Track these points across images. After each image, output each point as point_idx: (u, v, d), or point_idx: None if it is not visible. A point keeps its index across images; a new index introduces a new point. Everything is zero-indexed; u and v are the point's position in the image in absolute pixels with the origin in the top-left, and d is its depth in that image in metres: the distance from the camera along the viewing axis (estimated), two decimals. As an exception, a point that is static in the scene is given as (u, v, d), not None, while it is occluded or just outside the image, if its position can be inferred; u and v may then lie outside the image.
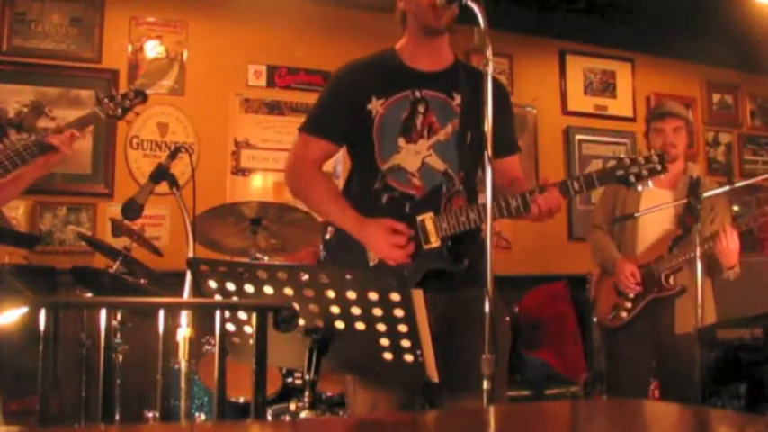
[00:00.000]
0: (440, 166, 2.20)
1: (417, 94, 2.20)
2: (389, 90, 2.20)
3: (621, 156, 2.19)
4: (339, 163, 4.57)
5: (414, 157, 2.19)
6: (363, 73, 2.24)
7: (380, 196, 2.20)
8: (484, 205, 1.90)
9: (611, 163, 2.14)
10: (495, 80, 1.94)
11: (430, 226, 2.14)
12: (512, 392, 3.87)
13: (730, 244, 3.11)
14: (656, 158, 2.08)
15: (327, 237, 2.26)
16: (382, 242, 2.11)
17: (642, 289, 3.26)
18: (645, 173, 2.07)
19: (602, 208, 3.57)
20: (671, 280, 3.25)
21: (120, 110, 2.77)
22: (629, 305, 3.32)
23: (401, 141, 2.20)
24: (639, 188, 2.11)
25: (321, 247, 2.30)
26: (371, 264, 2.16)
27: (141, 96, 2.82)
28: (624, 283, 3.28)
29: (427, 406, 2.30)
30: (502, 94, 2.27)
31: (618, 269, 3.32)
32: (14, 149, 2.56)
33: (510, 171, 2.33)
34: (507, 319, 2.40)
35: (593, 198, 5.36)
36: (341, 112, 2.23)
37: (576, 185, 2.08)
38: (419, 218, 2.15)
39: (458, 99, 2.21)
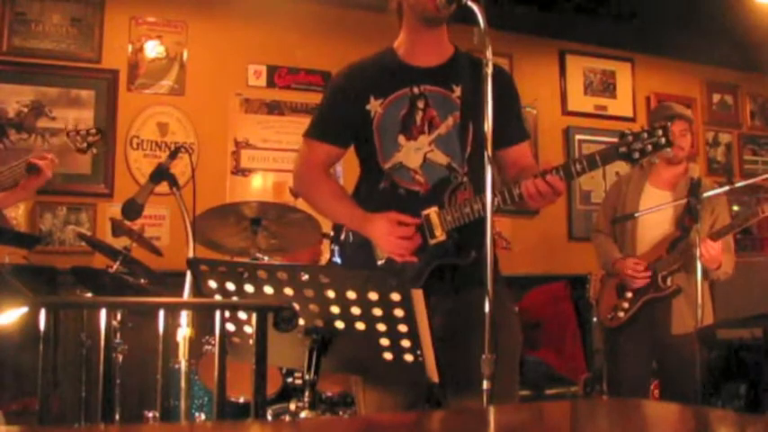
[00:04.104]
0: (442, 159, 2.17)
1: (416, 90, 2.18)
2: (387, 89, 2.18)
3: (624, 131, 2.07)
4: (339, 164, 4.57)
5: (415, 154, 2.17)
6: (361, 74, 2.23)
7: (387, 195, 2.19)
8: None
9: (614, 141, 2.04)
10: (496, 66, 1.88)
11: (435, 220, 2.12)
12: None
13: (711, 251, 3.13)
14: (659, 132, 1.96)
15: (342, 238, 2.25)
16: (388, 235, 2.09)
17: (649, 279, 3.27)
18: (649, 148, 1.97)
19: (603, 212, 3.58)
20: (668, 281, 3.26)
21: (85, 144, 3.19)
22: (626, 305, 3.34)
23: (401, 139, 2.18)
24: (644, 165, 2.01)
25: (335, 248, 2.27)
26: (379, 263, 2.15)
27: (101, 133, 3.24)
28: (631, 275, 3.28)
29: (428, 407, 2.29)
30: (504, 81, 2.21)
31: (619, 267, 3.34)
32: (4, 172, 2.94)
33: (521, 159, 2.27)
34: (516, 319, 2.35)
35: (593, 198, 5.36)
36: (340, 116, 2.23)
37: (578, 167, 2.01)
38: (424, 213, 2.13)
39: (458, 91, 2.18)
